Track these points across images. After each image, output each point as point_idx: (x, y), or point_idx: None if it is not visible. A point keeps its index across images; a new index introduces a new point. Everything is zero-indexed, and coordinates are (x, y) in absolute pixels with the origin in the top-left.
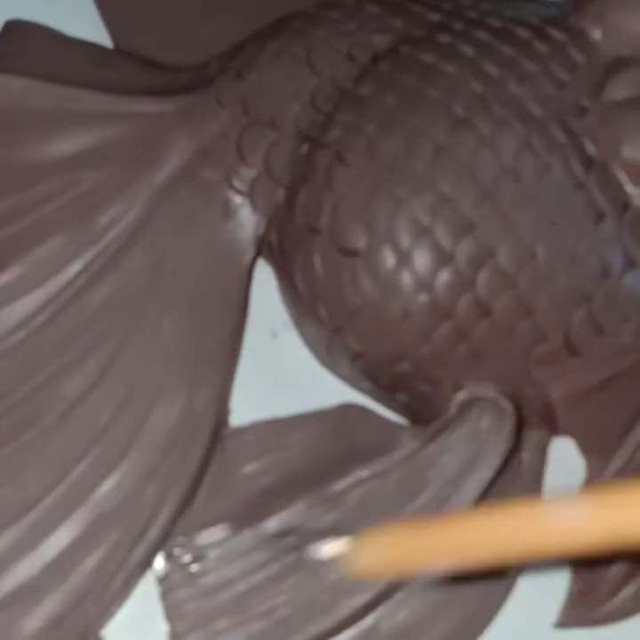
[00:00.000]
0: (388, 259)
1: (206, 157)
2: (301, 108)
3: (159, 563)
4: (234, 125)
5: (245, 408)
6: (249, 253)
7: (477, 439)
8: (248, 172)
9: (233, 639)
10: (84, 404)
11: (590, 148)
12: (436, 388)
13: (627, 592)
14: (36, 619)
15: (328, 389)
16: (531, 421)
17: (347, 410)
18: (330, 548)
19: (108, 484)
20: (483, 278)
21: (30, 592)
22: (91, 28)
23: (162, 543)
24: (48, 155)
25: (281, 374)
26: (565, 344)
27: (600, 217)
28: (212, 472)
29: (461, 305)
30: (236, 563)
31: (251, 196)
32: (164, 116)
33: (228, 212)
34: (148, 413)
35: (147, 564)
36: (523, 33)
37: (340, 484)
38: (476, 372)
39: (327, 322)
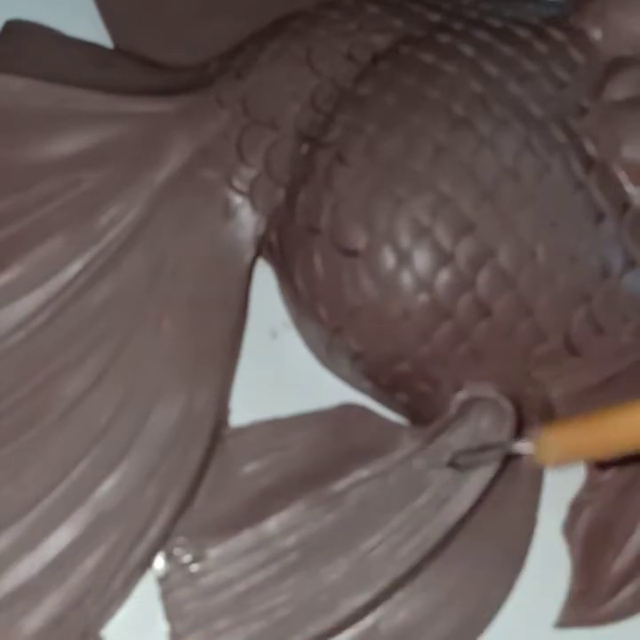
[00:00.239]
0: (388, 259)
1: (206, 157)
2: (301, 108)
3: (159, 563)
4: (234, 125)
5: (245, 408)
6: (249, 253)
7: (477, 439)
8: (248, 172)
9: (233, 639)
10: (83, 404)
11: (590, 148)
12: (436, 388)
13: (627, 592)
14: (36, 619)
15: (328, 389)
16: (531, 421)
17: (347, 410)
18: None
19: (107, 484)
20: (483, 278)
21: (30, 592)
22: (91, 28)
23: (162, 543)
24: (48, 155)
25: (281, 374)
26: (565, 344)
27: (600, 217)
28: (212, 472)
29: (461, 305)
30: (236, 563)
31: (251, 195)
32: (163, 116)
33: (228, 212)
34: (148, 413)
35: (147, 563)
36: (523, 33)
37: (340, 484)
38: (476, 372)
39: (327, 322)
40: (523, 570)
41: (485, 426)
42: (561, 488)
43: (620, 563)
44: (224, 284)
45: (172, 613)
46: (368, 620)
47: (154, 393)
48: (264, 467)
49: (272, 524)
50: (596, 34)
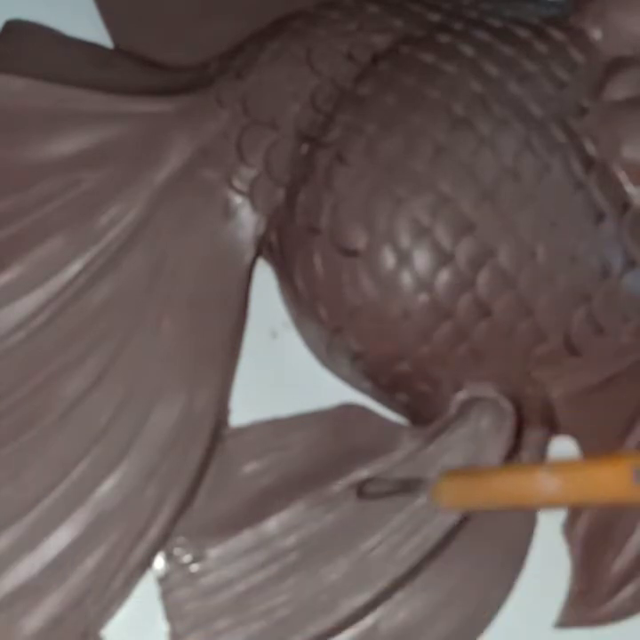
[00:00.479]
0: (388, 259)
1: (206, 157)
2: (301, 108)
3: (159, 563)
4: (234, 125)
5: (245, 408)
6: (249, 253)
7: (477, 439)
8: (248, 172)
9: (233, 639)
10: (83, 404)
11: (590, 148)
12: (436, 388)
13: (627, 592)
14: (36, 619)
15: (328, 389)
16: (531, 421)
17: (347, 410)
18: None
19: (108, 484)
20: (483, 278)
21: (30, 592)
22: (91, 28)
23: (162, 543)
24: (48, 155)
25: (281, 374)
26: (565, 344)
27: (600, 217)
28: (212, 472)
29: (461, 305)
30: (236, 563)
31: (251, 195)
32: (163, 116)
33: (228, 212)
34: (148, 413)
35: (147, 563)
36: (523, 33)
37: (340, 484)
38: (476, 372)
39: (327, 322)
40: (523, 570)
41: (485, 426)
42: None
43: (620, 563)
44: (224, 284)
45: (172, 613)
46: (368, 620)
47: (154, 393)
48: (264, 467)
49: (272, 524)
50: (596, 34)
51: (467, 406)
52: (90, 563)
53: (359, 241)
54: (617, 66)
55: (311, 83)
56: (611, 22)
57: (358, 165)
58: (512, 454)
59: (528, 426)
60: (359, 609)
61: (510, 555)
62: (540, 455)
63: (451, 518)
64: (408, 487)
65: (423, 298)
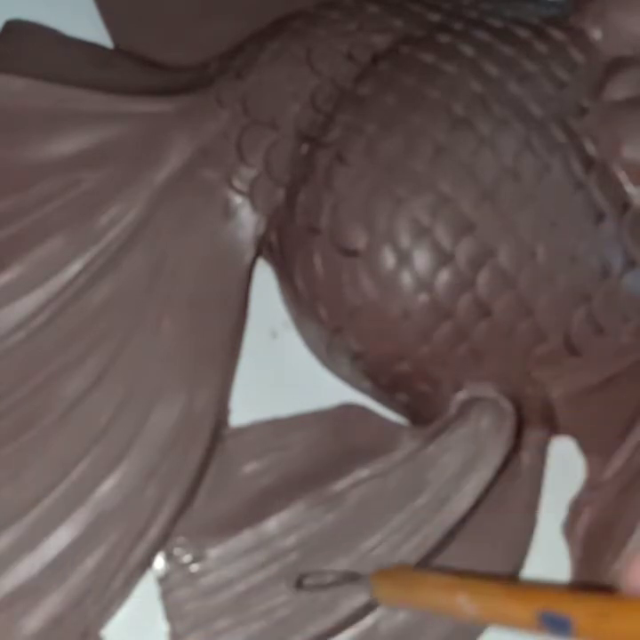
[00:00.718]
0: (388, 259)
1: (206, 157)
2: (301, 108)
3: (159, 563)
4: (234, 125)
5: (245, 408)
6: (249, 253)
7: (477, 439)
8: (248, 172)
9: (233, 639)
10: (83, 404)
11: (590, 148)
12: (436, 388)
13: None
14: (35, 619)
15: (328, 389)
16: (531, 421)
17: (347, 410)
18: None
19: (107, 484)
20: (483, 278)
21: (30, 592)
22: (91, 28)
23: (162, 543)
24: (48, 155)
25: (281, 374)
26: (565, 344)
27: (600, 217)
28: (212, 472)
29: (461, 305)
30: (236, 563)
31: (251, 195)
32: (164, 116)
33: (228, 212)
34: (148, 413)
35: (147, 563)
36: (523, 33)
37: (340, 484)
38: (476, 372)
39: (327, 322)
40: (523, 570)
41: (485, 426)
42: (561, 488)
43: (620, 563)
44: (224, 284)
45: (172, 613)
46: (368, 620)
47: (154, 393)
48: (264, 467)
49: (272, 524)
50: (596, 34)
51: (467, 406)
52: (90, 563)
53: (359, 241)
54: (617, 66)
55: (311, 83)
56: (611, 22)
57: (358, 165)
58: (512, 454)
59: (528, 426)
60: (359, 609)
61: (510, 555)
62: (540, 455)
63: (451, 518)
64: (346, 580)
65: (423, 298)
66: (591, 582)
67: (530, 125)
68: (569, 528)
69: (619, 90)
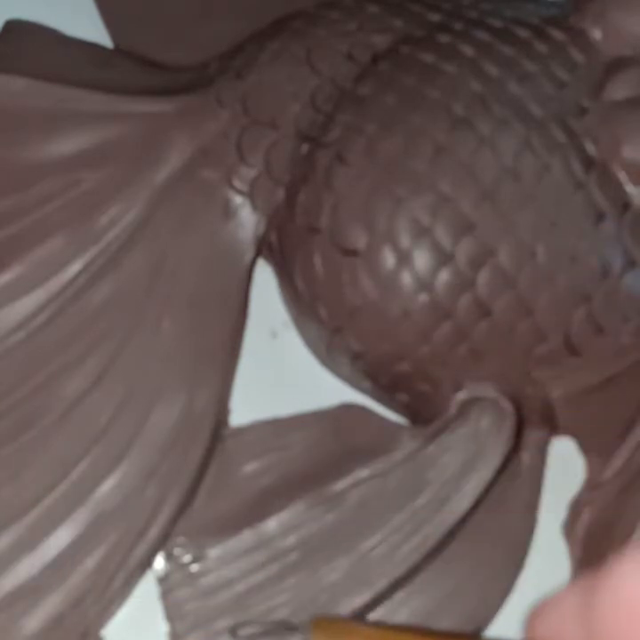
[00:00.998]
0: (388, 259)
1: (206, 157)
2: (301, 108)
3: (159, 563)
4: (234, 125)
5: (245, 408)
6: (249, 253)
7: (477, 439)
8: (248, 172)
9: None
10: (83, 404)
11: (590, 148)
12: (436, 388)
13: None
14: (35, 619)
15: (328, 389)
16: (531, 421)
17: (347, 410)
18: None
19: (107, 484)
20: (483, 278)
21: (30, 592)
22: (91, 28)
23: (162, 543)
24: (48, 155)
25: (281, 374)
26: (565, 344)
27: (600, 217)
28: (212, 472)
29: (461, 305)
30: (236, 563)
31: (251, 196)
32: (163, 116)
33: (228, 212)
34: (148, 413)
35: (147, 563)
36: (523, 33)
37: (340, 484)
38: (476, 372)
39: (327, 322)
40: (523, 570)
41: (485, 426)
42: (561, 488)
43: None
44: (224, 284)
45: (172, 613)
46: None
47: (154, 393)
48: (264, 467)
49: (272, 524)
50: (596, 34)
51: (467, 406)
52: (90, 563)
53: (359, 241)
54: (617, 66)
55: (311, 83)
56: (611, 22)
57: (358, 165)
58: (512, 454)
59: (528, 426)
60: (359, 609)
61: (510, 555)
62: (540, 455)
63: (451, 518)
64: (282, 629)
65: (423, 298)
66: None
67: (530, 125)
68: (569, 528)
69: (619, 90)
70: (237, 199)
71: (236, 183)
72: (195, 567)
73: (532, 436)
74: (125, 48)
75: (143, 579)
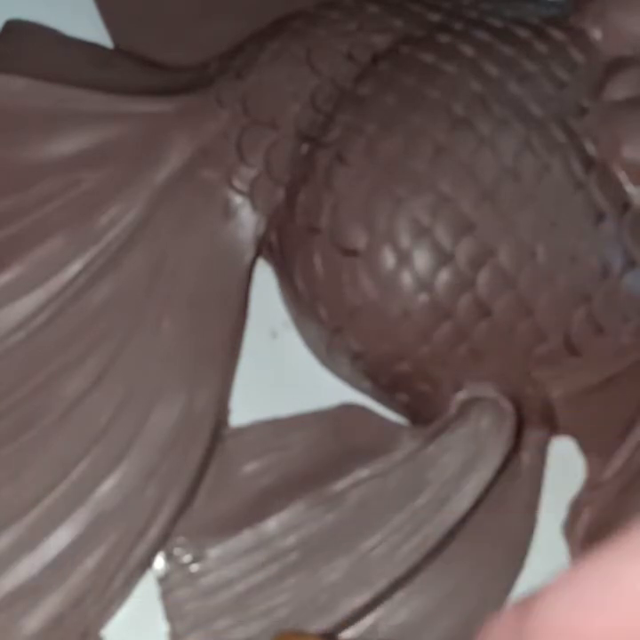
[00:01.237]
0: (388, 259)
1: (206, 157)
2: (301, 108)
3: (159, 563)
4: (234, 125)
5: (245, 408)
6: (249, 253)
7: (477, 439)
8: (248, 172)
9: (233, 639)
10: (83, 404)
11: (590, 148)
12: (436, 388)
13: None
14: (35, 619)
15: (328, 389)
16: (531, 421)
17: (347, 410)
18: None
19: (107, 484)
20: (483, 278)
21: (30, 592)
22: (91, 28)
23: (162, 543)
24: (48, 155)
25: (281, 374)
26: (565, 344)
27: (600, 217)
28: (212, 472)
29: (461, 305)
30: (236, 563)
31: (251, 196)
32: (163, 116)
33: (228, 212)
34: (148, 413)
35: (147, 563)
36: (523, 33)
37: (340, 484)
38: (476, 372)
39: (327, 322)
40: (523, 570)
41: (485, 426)
42: (561, 488)
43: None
44: (224, 284)
45: (172, 613)
46: (368, 620)
47: (154, 393)
48: (264, 467)
49: (272, 524)
50: (596, 34)
51: (467, 406)
52: (90, 563)
53: (359, 241)
54: (617, 66)
55: (311, 83)
56: (611, 22)
57: (358, 165)
58: (512, 454)
59: (528, 426)
60: (359, 609)
61: (510, 555)
62: (540, 455)
63: (451, 518)
64: None
65: (423, 298)
66: None
67: (530, 125)
68: (569, 528)
69: (619, 90)
70: (237, 199)
71: (236, 183)
72: (195, 567)
73: (532, 436)
74: (125, 48)
75: (143, 579)
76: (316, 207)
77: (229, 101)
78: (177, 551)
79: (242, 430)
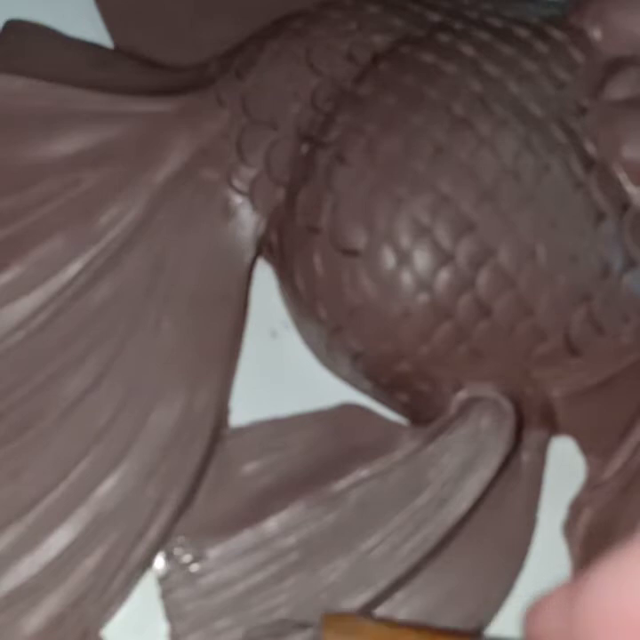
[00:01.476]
0: (388, 259)
1: (206, 157)
2: (301, 108)
3: (159, 563)
4: (234, 125)
5: (245, 408)
6: (249, 253)
7: (477, 439)
8: (248, 172)
9: (233, 639)
10: (83, 404)
11: (590, 148)
12: (436, 388)
13: None
14: (35, 619)
15: (328, 389)
16: (531, 421)
17: (347, 410)
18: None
19: (107, 484)
20: (483, 278)
21: (30, 592)
22: (91, 28)
23: (162, 543)
24: (48, 155)
25: (281, 374)
26: (565, 344)
27: (600, 217)
28: (212, 472)
29: (461, 305)
30: (236, 563)
31: (251, 195)
32: (163, 116)
33: (228, 212)
34: (148, 413)
35: (147, 564)
36: (523, 33)
37: (340, 484)
38: (476, 372)
39: (327, 322)
40: (523, 570)
41: (485, 426)
42: (561, 488)
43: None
44: (224, 284)
45: (172, 613)
46: None
47: (154, 393)
48: (264, 467)
49: (272, 524)
50: (596, 34)
51: (467, 406)
52: (90, 563)
53: (359, 241)
54: (617, 66)
55: (311, 82)
56: (611, 22)
57: (358, 165)
58: (512, 454)
59: (528, 426)
60: (359, 609)
61: (510, 555)
62: (540, 455)
63: (451, 518)
64: (291, 628)
65: (423, 298)
66: None
67: (530, 125)
68: (569, 528)
69: (619, 90)
70: (237, 199)
71: (236, 183)
72: (195, 567)
73: (531, 436)
74: (125, 48)
75: (143, 579)
76: (316, 207)
77: (229, 101)
78: (177, 551)
79: (242, 430)
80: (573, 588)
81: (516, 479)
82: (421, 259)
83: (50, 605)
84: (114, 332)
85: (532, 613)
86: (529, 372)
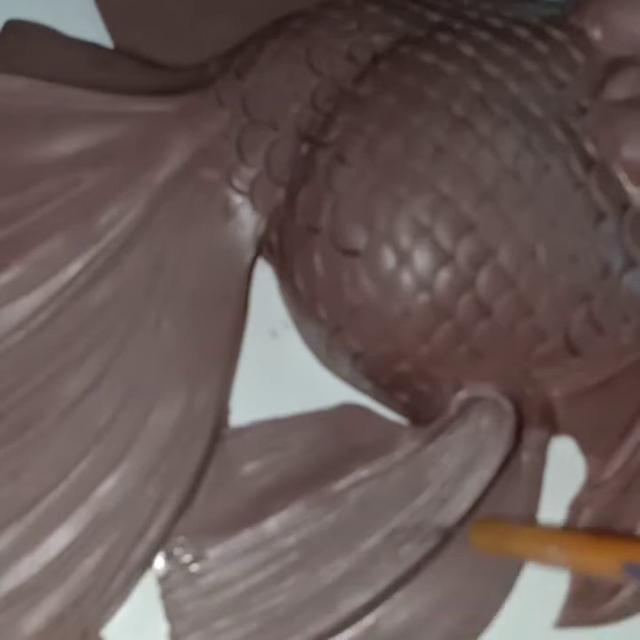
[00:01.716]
0: (388, 259)
1: (206, 157)
2: (301, 108)
3: (159, 563)
4: (234, 125)
5: (245, 408)
6: (249, 253)
7: (477, 439)
8: (248, 172)
9: (233, 639)
10: (83, 404)
11: (590, 148)
12: (436, 388)
13: (626, 592)
14: (35, 619)
15: (328, 389)
16: (531, 421)
17: (347, 410)
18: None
19: (107, 484)
20: (483, 278)
21: (30, 592)
22: (91, 28)
23: (162, 543)
24: (48, 155)
25: (281, 374)
26: (565, 344)
27: (600, 217)
28: (212, 472)
29: (461, 305)
30: (236, 563)
31: (251, 195)
32: (163, 115)
33: (228, 212)
34: (148, 413)
35: (147, 564)
36: (523, 33)
37: (340, 484)
38: (476, 372)
39: (327, 322)
40: (523, 570)
41: (485, 426)
42: (561, 488)
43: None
44: (224, 284)
45: (172, 613)
46: (368, 620)
47: (154, 393)
48: (264, 467)
49: (272, 524)
50: (596, 34)
51: (467, 406)
52: (90, 563)
53: (359, 241)
54: (617, 66)
55: (311, 82)
56: (611, 22)
57: (358, 165)
58: (512, 454)
59: (528, 426)
60: (359, 609)
61: None
62: (540, 455)
63: (450, 517)
64: (441, 535)
65: (423, 298)
66: None
67: (530, 125)
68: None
69: (619, 90)
70: (237, 199)
71: (236, 183)
72: (195, 567)
73: (531, 436)
74: (125, 48)
75: (143, 579)
76: (316, 207)
77: (229, 101)
78: (177, 551)
79: (242, 430)
80: None
81: (515, 479)
82: (421, 259)
83: (50, 605)
84: (114, 332)
85: None
86: (529, 372)
